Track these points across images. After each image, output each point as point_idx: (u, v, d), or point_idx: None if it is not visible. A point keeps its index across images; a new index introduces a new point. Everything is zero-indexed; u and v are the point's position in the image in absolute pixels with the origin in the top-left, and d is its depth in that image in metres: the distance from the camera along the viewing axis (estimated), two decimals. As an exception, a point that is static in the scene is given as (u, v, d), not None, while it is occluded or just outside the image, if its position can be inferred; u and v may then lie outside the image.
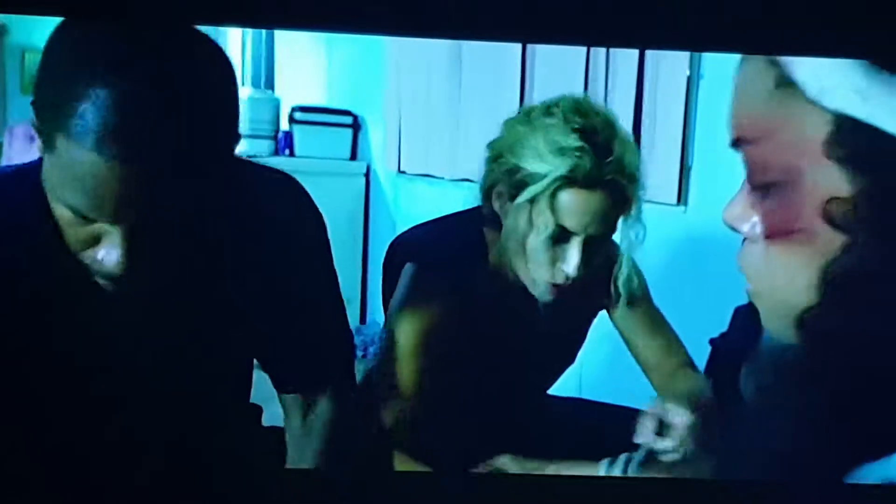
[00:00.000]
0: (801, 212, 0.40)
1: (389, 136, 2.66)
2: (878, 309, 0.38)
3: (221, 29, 4.01)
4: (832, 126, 0.39)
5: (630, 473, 0.79)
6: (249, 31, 3.53)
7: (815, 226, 0.40)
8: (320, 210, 0.89)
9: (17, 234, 0.71)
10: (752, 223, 0.44)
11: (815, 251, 0.40)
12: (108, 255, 0.66)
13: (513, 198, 0.92)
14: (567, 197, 0.89)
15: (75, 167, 0.62)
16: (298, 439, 0.86)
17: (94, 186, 0.62)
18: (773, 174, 0.43)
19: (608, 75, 1.75)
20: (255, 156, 2.71)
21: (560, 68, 1.90)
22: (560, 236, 0.90)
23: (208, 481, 0.71)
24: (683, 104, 1.60)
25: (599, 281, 1.02)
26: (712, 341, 1.00)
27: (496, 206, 0.95)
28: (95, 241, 0.67)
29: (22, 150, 4.39)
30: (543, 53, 1.98)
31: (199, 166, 0.66)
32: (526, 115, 0.92)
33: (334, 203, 2.87)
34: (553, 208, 0.89)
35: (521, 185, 0.91)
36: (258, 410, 1.00)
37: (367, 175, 2.86)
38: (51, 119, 0.62)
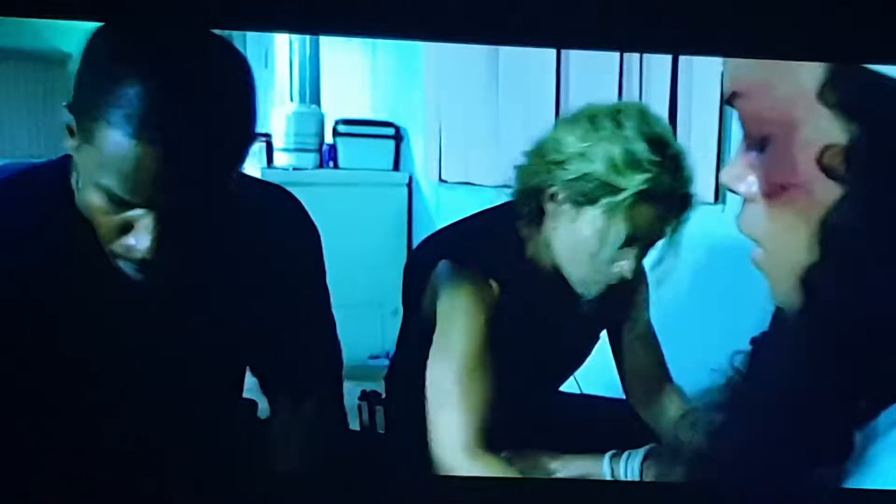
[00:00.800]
0: (797, 164, 0.40)
1: (430, 146, 2.70)
2: (880, 263, 0.38)
3: (271, 48, 4.14)
4: (825, 73, 0.39)
5: (630, 470, 0.80)
6: (297, 49, 3.64)
7: (811, 178, 0.39)
8: (316, 224, 0.93)
9: (44, 226, 0.77)
10: (750, 183, 0.44)
11: (814, 205, 0.39)
12: (140, 240, 0.71)
13: (577, 203, 0.93)
14: (643, 209, 0.91)
15: (114, 152, 0.68)
16: (281, 439, 0.89)
17: (132, 169, 0.68)
18: (769, 127, 0.43)
19: (642, 80, 1.75)
20: (300, 168, 2.78)
21: (594, 74, 1.90)
22: (626, 242, 0.93)
23: (208, 472, 0.74)
24: (719, 99, 1.59)
25: (625, 291, 1.03)
26: (754, 340, 1.00)
27: (548, 206, 0.96)
28: (127, 227, 0.72)
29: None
30: (577, 60, 1.99)
31: (220, 158, 0.73)
32: (590, 120, 0.92)
33: (378, 213, 2.94)
34: (629, 220, 0.91)
35: (592, 196, 0.91)
36: (254, 405, 1.03)
37: (409, 185, 2.90)
38: (90, 113, 0.69)
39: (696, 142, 1.62)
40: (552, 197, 0.95)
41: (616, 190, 0.89)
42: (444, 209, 2.74)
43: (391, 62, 2.96)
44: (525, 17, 0.63)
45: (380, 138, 2.92)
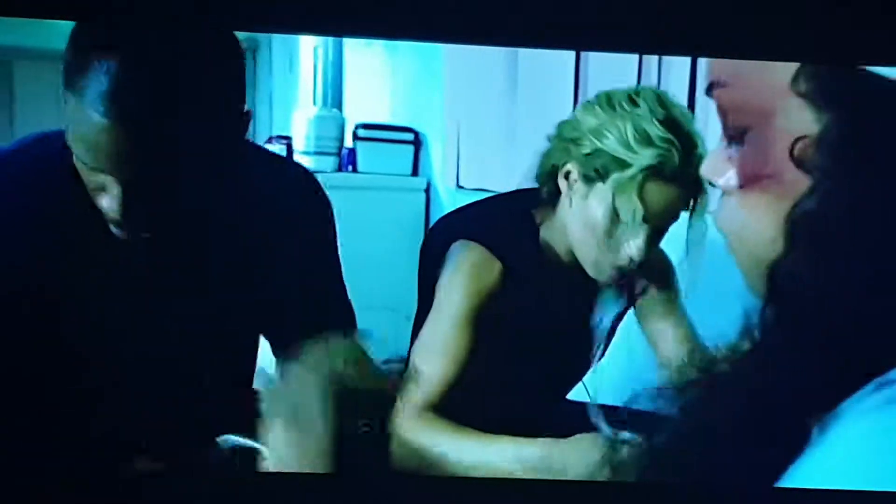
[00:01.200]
0: (771, 155, 0.40)
1: (448, 151, 2.71)
2: (846, 253, 0.37)
3: (295, 52, 4.18)
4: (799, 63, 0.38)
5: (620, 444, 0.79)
6: (321, 53, 3.67)
7: (784, 169, 0.39)
8: (329, 198, 0.95)
9: (47, 187, 0.81)
10: (728, 176, 0.43)
11: (785, 196, 0.39)
12: (111, 203, 0.75)
13: (590, 181, 0.93)
14: (652, 187, 0.90)
15: (79, 123, 0.72)
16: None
17: (93, 141, 0.72)
18: (746, 118, 0.42)
19: (660, 83, 1.74)
20: (319, 171, 2.80)
21: (613, 78, 1.89)
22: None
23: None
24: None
25: (644, 275, 1.03)
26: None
27: (562, 185, 0.97)
28: (103, 189, 0.76)
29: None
30: (596, 64, 1.98)
31: (192, 132, 0.75)
32: (607, 101, 0.93)
33: (395, 217, 2.94)
34: (640, 197, 0.90)
35: (603, 171, 0.92)
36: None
37: (427, 190, 2.90)
38: (66, 83, 0.73)
39: (713, 144, 1.60)
40: (567, 175, 0.96)
41: (626, 165, 0.90)
42: (461, 215, 2.74)
43: (411, 68, 2.98)
44: (544, 20, 0.63)
45: (399, 143, 2.93)
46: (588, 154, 0.93)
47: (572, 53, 2.00)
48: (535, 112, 2.24)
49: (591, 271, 0.99)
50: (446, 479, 0.75)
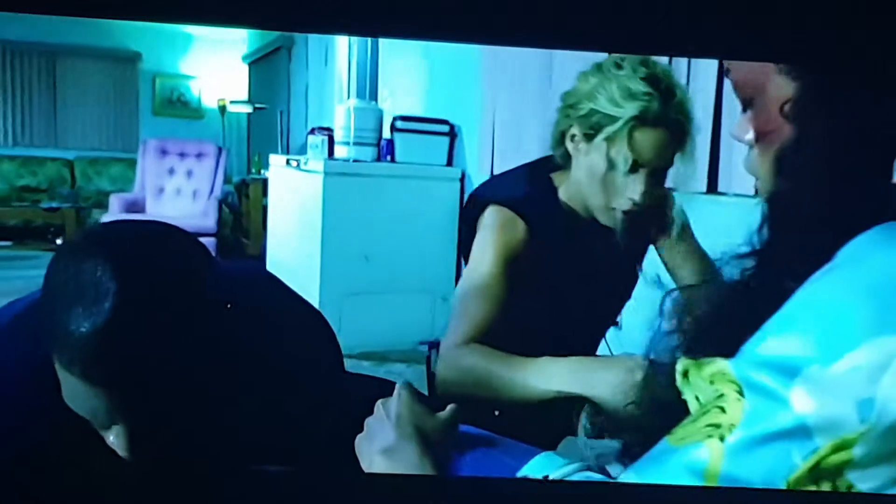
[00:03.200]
0: (770, 116, 0.54)
1: (483, 142, 2.83)
2: (815, 175, 0.52)
3: (331, 47, 4.31)
4: None
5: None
6: (355, 49, 3.80)
7: (780, 125, 0.53)
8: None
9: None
10: (749, 133, 0.58)
11: (779, 143, 0.54)
12: (118, 443, 0.72)
13: (589, 138, 1.06)
14: (640, 135, 1.03)
15: (72, 393, 0.70)
16: None
17: (88, 406, 0.70)
18: (749, 91, 0.57)
19: (689, 83, 1.85)
20: (359, 160, 2.94)
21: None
22: (631, 168, 1.05)
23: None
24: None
25: (655, 213, 1.15)
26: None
27: (570, 147, 1.09)
28: (107, 429, 0.73)
29: (154, 162, 4.86)
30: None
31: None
32: (598, 68, 1.07)
33: (431, 205, 3.07)
34: (630, 145, 1.03)
35: (597, 126, 1.05)
36: None
37: (461, 180, 3.03)
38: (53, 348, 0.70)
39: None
40: (572, 138, 1.09)
41: (615, 119, 1.03)
42: (495, 203, 2.86)
43: (447, 62, 3.10)
44: (578, 22, 0.68)
45: (435, 135, 3.06)
46: (585, 115, 1.05)
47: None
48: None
49: (602, 219, 1.09)
50: (450, 479, 0.77)
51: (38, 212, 5.26)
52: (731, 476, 0.46)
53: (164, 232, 0.77)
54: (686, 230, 1.18)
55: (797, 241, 0.51)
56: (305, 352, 0.91)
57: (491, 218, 1.11)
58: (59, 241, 5.15)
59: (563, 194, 1.14)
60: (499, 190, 1.17)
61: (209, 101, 5.96)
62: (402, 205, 2.94)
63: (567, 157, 1.11)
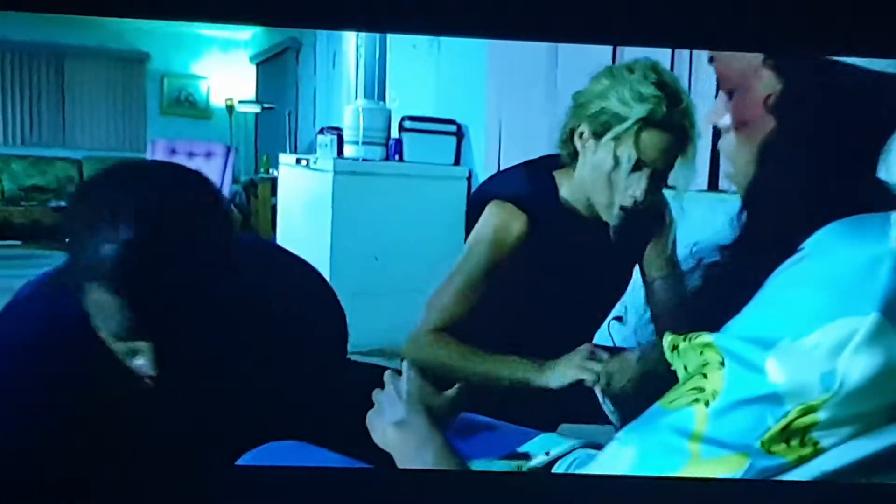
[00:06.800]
0: (753, 107, 0.58)
1: (490, 141, 2.86)
2: (795, 168, 0.56)
3: (339, 49, 4.34)
4: None
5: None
6: (363, 51, 3.84)
7: (761, 115, 0.58)
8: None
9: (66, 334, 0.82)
10: (726, 119, 0.62)
11: (760, 133, 0.58)
12: (145, 364, 0.79)
13: (597, 136, 1.11)
14: (646, 136, 1.09)
15: (98, 306, 0.76)
16: None
17: (119, 318, 0.75)
18: (733, 81, 0.61)
19: (691, 75, 1.88)
20: (368, 160, 2.98)
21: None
22: (634, 167, 1.10)
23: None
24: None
25: (651, 215, 1.22)
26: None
27: (577, 144, 1.15)
28: (134, 353, 0.79)
29: (163, 160, 4.90)
30: (631, 58, 2.12)
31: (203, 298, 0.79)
32: (609, 72, 1.13)
33: (438, 204, 3.10)
34: (636, 145, 1.08)
35: (606, 125, 1.10)
36: None
37: (468, 179, 3.07)
38: (80, 268, 0.76)
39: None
40: (581, 135, 1.14)
41: (623, 119, 1.09)
42: (502, 202, 2.89)
43: (455, 63, 3.14)
44: (584, 16, 0.73)
45: (442, 135, 3.09)
46: (595, 113, 1.11)
47: (609, 48, 2.14)
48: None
49: (603, 215, 1.15)
50: (453, 474, 0.80)
51: (46, 211, 5.31)
52: (714, 437, 0.53)
53: (183, 168, 0.84)
54: (671, 229, 1.23)
55: (774, 231, 0.55)
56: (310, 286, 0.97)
57: (492, 211, 1.17)
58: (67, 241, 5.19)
59: (564, 192, 1.19)
60: (502, 186, 1.23)
61: (217, 101, 6.00)
62: (410, 203, 2.98)
63: (573, 156, 1.16)
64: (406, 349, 1.17)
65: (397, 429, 0.77)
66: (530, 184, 1.20)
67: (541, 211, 1.17)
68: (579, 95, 1.16)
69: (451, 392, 0.86)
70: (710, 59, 0.63)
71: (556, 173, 1.20)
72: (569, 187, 1.18)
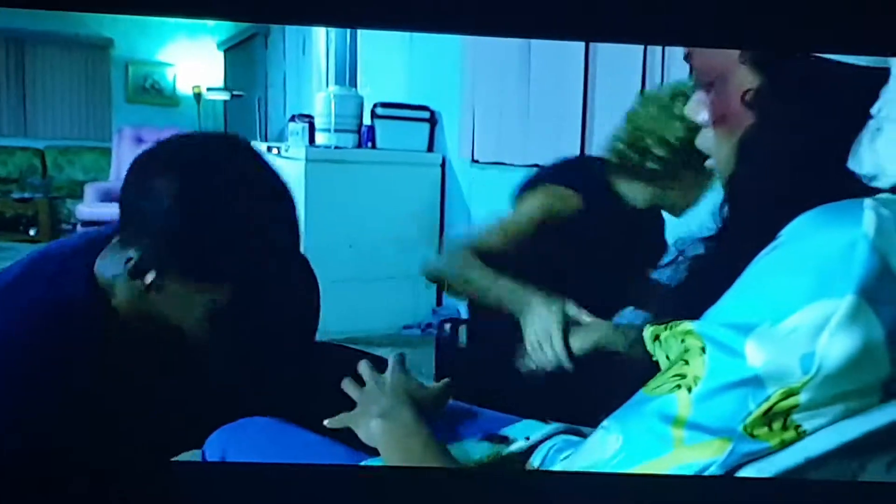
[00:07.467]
0: (730, 102, 0.59)
1: (464, 128, 2.86)
2: (774, 163, 0.57)
3: (308, 36, 4.29)
4: None
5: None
6: (333, 37, 3.80)
7: (739, 110, 0.58)
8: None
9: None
10: (703, 114, 0.63)
11: (738, 127, 0.59)
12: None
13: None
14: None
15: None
16: None
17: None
18: (710, 75, 0.62)
19: (664, 71, 1.91)
20: (340, 147, 2.96)
21: (619, 65, 2.06)
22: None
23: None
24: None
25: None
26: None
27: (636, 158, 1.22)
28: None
29: (130, 150, 4.81)
30: (604, 52, 2.14)
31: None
32: (670, 100, 1.19)
33: (413, 191, 3.10)
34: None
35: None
36: None
37: (442, 165, 3.07)
38: (162, 264, 0.81)
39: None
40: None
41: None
42: (476, 188, 2.91)
43: (427, 49, 3.12)
44: (555, 13, 0.70)
45: (415, 121, 3.09)
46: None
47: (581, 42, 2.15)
48: (546, 91, 2.40)
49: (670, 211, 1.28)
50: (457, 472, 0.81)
51: (8, 202, 5.19)
52: (697, 422, 0.53)
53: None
54: None
55: (755, 222, 0.56)
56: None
57: (548, 190, 1.25)
58: (31, 233, 5.08)
59: (619, 186, 1.26)
60: (553, 177, 1.30)
61: (184, 89, 5.90)
62: (384, 191, 2.97)
63: (626, 166, 1.23)
64: (436, 263, 1.26)
65: (383, 421, 0.77)
66: (584, 174, 1.28)
67: (593, 194, 1.25)
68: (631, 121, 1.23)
69: (437, 385, 0.86)
70: (687, 56, 0.64)
71: (609, 174, 1.26)
72: (624, 184, 1.25)
